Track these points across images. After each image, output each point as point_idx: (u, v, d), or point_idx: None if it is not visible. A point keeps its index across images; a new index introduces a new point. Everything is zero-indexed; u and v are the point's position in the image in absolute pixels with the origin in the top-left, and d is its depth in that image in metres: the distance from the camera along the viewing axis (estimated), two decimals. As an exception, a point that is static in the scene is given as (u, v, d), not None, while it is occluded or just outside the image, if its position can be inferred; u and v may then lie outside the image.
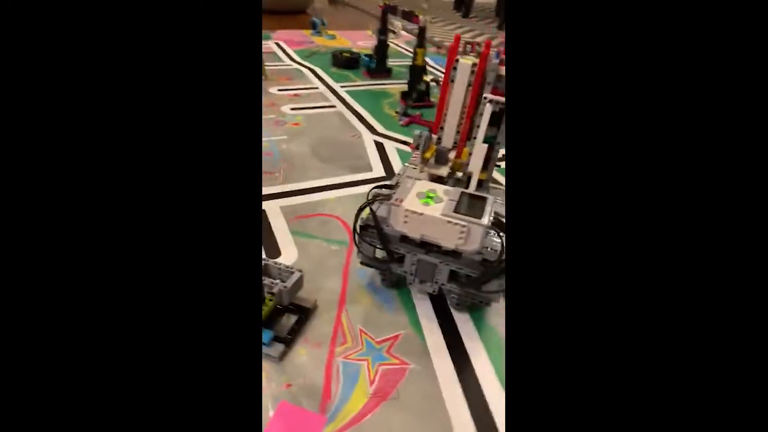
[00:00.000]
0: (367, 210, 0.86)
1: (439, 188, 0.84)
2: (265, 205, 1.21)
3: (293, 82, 2.18)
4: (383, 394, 0.73)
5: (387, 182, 0.96)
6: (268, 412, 0.69)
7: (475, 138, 0.90)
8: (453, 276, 0.86)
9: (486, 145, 0.87)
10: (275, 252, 1.03)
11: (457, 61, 0.92)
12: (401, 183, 0.87)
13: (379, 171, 1.45)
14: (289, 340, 0.80)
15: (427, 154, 0.99)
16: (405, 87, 2.07)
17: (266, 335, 0.77)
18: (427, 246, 0.83)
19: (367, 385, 0.75)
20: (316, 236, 1.10)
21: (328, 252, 1.05)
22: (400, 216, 0.79)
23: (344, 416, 0.70)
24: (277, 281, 0.82)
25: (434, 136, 1.01)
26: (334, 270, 1.00)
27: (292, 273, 0.84)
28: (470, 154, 0.93)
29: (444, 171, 0.99)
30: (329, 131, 1.69)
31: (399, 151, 1.59)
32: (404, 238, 0.84)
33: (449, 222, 0.75)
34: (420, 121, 1.84)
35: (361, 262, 0.93)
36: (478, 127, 0.88)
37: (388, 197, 0.85)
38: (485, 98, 0.85)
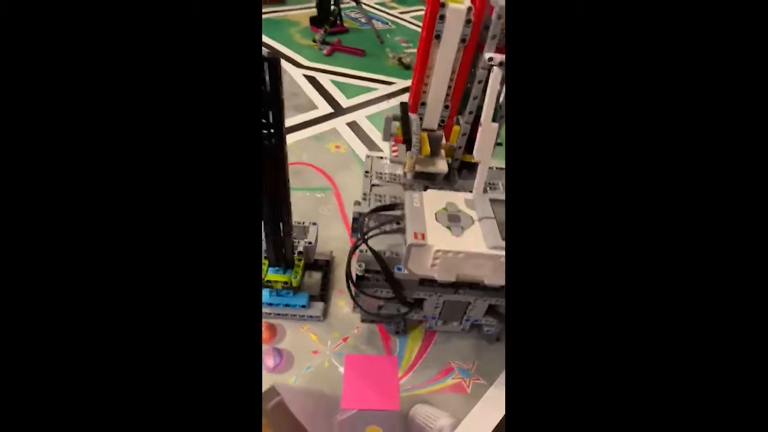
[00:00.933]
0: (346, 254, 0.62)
1: (457, 199, 0.62)
2: (220, 163, 1.04)
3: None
4: (436, 319, 0.75)
5: (381, 205, 0.67)
6: (338, 369, 0.66)
7: (471, 113, 0.70)
8: (489, 308, 0.67)
9: (496, 125, 0.60)
10: (259, 212, 0.92)
11: (443, 5, 0.62)
12: (406, 202, 0.61)
13: (325, 108, 1.33)
14: (324, 295, 0.75)
15: (426, 149, 0.72)
16: (307, 12, 1.86)
17: (302, 298, 0.71)
18: (457, 284, 0.61)
19: (417, 316, 0.75)
20: (295, 187, 1.00)
21: (315, 201, 0.97)
22: (427, 258, 0.56)
23: (411, 349, 0.70)
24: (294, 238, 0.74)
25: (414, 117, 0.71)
26: (331, 218, 0.93)
27: (307, 227, 0.76)
28: (464, 134, 0.74)
29: (442, 165, 0.72)
30: (248, 70, 1.47)
31: (335, 83, 1.47)
32: (425, 280, 0.62)
33: (503, 258, 0.55)
34: (343, 47, 1.70)
35: (363, 320, 0.71)
36: (475, 98, 0.69)
37: (395, 226, 0.61)
38: (490, 59, 0.60)
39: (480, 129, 0.62)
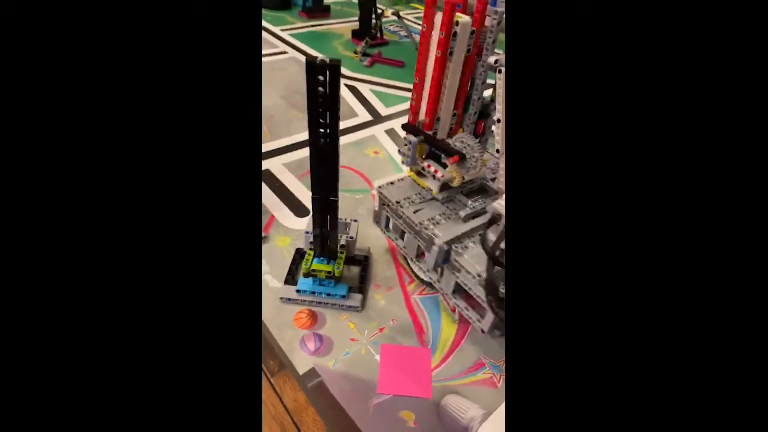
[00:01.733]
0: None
1: None
2: (267, 163, 1.12)
3: (225, 29, 1.93)
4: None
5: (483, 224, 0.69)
6: (374, 357, 0.70)
7: (475, 113, 0.75)
8: None
9: None
10: (302, 210, 0.98)
11: (457, 23, 0.64)
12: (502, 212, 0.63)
13: (364, 116, 1.40)
14: (362, 288, 0.79)
15: (484, 159, 0.73)
16: (349, 25, 1.95)
17: (343, 288, 0.76)
18: None
19: (450, 314, 0.78)
20: (336, 188, 1.06)
21: (354, 201, 1.03)
22: None
23: (444, 343, 0.73)
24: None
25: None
26: (369, 217, 0.98)
27: (349, 223, 0.81)
28: (470, 133, 0.77)
29: (482, 170, 0.76)
30: (293, 79, 1.56)
31: (375, 92, 1.54)
32: None
33: None
34: (383, 59, 1.77)
35: (504, 335, 0.72)
36: (479, 99, 0.74)
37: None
38: (496, 62, 0.65)
39: (500, 125, 0.66)
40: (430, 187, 0.78)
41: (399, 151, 0.80)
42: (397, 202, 0.77)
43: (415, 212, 0.75)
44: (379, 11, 1.89)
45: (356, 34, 1.92)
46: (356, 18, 2.02)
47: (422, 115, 0.75)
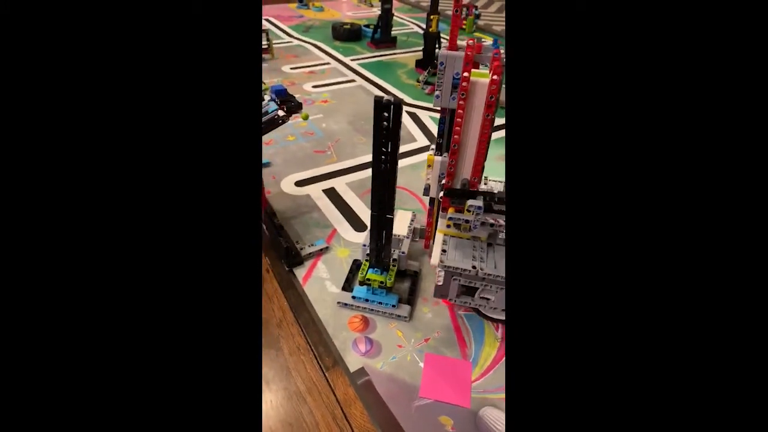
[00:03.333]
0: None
1: None
2: (332, 182, 1.24)
3: (301, 59, 2.14)
4: (511, 336, 0.82)
5: None
6: (419, 364, 0.76)
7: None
8: None
9: None
10: (361, 226, 1.08)
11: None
12: None
13: (423, 141, 1.49)
14: (411, 300, 0.86)
15: None
16: (413, 55, 2.06)
17: (393, 298, 0.83)
18: None
19: (493, 332, 0.82)
20: (392, 207, 1.15)
21: (408, 220, 1.10)
22: None
23: (485, 359, 0.78)
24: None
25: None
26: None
27: (402, 239, 0.89)
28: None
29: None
30: (360, 106, 1.70)
31: (434, 119, 1.63)
32: None
33: None
34: (443, 87, 1.86)
35: None
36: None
37: None
38: None
39: None
40: (477, 236, 0.77)
41: (449, 224, 0.75)
42: (474, 267, 0.73)
43: (495, 267, 0.73)
44: (443, 42, 2.00)
45: (420, 64, 2.04)
46: (421, 48, 2.14)
47: (465, 176, 0.74)
